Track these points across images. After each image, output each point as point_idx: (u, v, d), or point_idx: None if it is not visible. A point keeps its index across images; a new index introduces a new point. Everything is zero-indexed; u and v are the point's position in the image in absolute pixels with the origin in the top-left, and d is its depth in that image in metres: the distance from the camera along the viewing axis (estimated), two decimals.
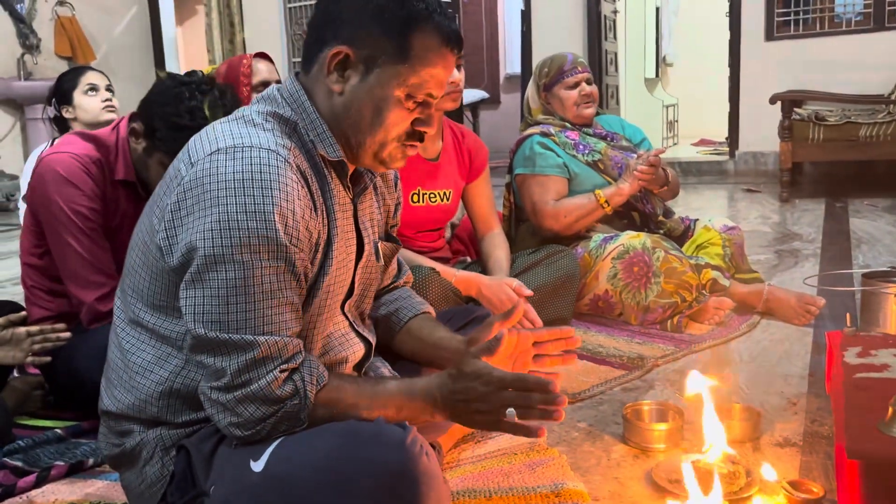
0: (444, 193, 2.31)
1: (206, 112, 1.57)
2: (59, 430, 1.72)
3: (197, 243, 1.01)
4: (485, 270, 2.33)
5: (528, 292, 2.15)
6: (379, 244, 1.30)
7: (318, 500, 0.97)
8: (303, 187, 1.05)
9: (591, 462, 1.54)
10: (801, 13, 5.42)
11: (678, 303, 2.29)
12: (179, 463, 1.11)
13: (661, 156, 2.42)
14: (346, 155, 1.14)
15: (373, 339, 1.31)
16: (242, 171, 1.00)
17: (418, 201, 2.26)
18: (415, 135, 1.14)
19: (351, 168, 1.18)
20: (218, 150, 1.03)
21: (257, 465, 1.02)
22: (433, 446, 1.42)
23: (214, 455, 1.09)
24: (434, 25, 1.09)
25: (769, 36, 5.47)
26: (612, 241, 2.36)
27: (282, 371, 1.03)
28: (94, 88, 2.73)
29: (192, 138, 1.10)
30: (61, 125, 2.76)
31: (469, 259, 2.56)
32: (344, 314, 1.24)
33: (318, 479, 0.97)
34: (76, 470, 1.55)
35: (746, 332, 2.28)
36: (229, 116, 1.14)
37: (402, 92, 1.09)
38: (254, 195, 1.00)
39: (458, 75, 2.14)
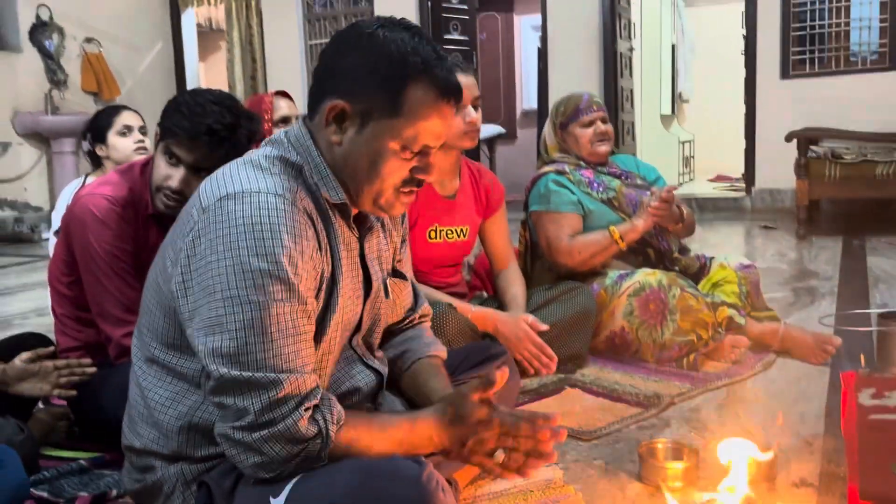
0: (461, 230, 2.34)
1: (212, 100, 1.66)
2: (83, 462, 1.75)
3: (212, 287, 1.05)
4: (501, 306, 2.35)
5: (544, 327, 2.18)
6: (388, 281, 1.33)
7: None
8: (309, 228, 1.10)
9: (606, 500, 1.55)
10: (817, 52, 5.47)
11: (694, 341, 2.30)
12: (201, 498, 1.14)
13: (677, 192, 2.45)
14: (348, 198, 1.19)
15: (383, 370, 1.34)
16: (251, 216, 1.05)
17: (436, 238, 2.30)
18: (412, 181, 1.17)
19: (355, 209, 1.22)
20: (227, 195, 1.08)
21: (277, 501, 1.05)
22: (449, 482, 1.44)
23: (235, 491, 1.12)
24: (429, 79, 1.12)
25: (785, 74, 5.51)
26: (628, 279, 2.38)
27: (305, 410, 1.06)
28: (128, 129, 2.80)
29: (203, 183, 1.15)
30: (95, 159, 2.84)
31: (486, 294, 2.58)
32: (352, 348, 1.29)
33: None
34: (100, 501, 1.58)
35: (762, 370, 2.28)
36: (239, 160, 1.19)
37: (397, 144, 1.13)
38: (263, 238, 1.04)
39: (475, 115, 2.19)
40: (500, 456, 1.11)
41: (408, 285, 1.43)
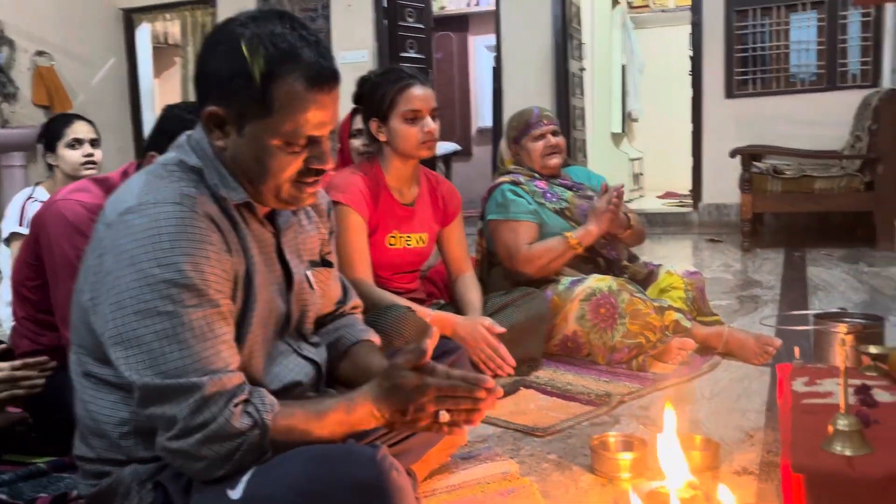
0: (420, 237, 2.41)
1: None
2: (41, 465, 1.75)
3: (122, 303, 1.06)
4: (458, 311, 2.42)
5: (501, 330, 2.24)
6: (311, 272, 1.34)
7: None
8: (213, 233, 1.11)
9: (560, 490, 1.61)
10: (759, 73, 5.69)
11: (643, 343, 2.39)
12: (158, 498, 1.14)
13: (629, 205, 2.56)
14: (252, 195, 1.19)
15: (320, 359, 1.35)
16: (151, 228, 1.06)
17: (395, 244, 2.36)
18: (310, 172, 1.17)
19: (263, 207, 1.22)
20: (128, 209, 1.09)
21: (235, 493, 1.07)
22: (409, 473, 1.49)
23: (191, 487, 1.12)
24: (296, 70, 1.10)
25: (729, 94, 5.72)
26: (580, 284, 2.47)
27: (235, 405, 1.07)
28: (78, 142, 2.78)
29: (109, 198, 1.17)
30: (50, 166, 2.81)
31: (443, 301, 2.64)
32: (286, 342, 1.30)
33: (294, 498, 1.03)
34: (60, 502, 1.59)
35: (708, 371, 2.38)
36: (141, 171, 1.20)
37: (279, 141, 1.13)
38: (164, 248, 1.06)
39: (433, 125, 2.26)
40: (444, 416, 1.13)
41: (335, 273, 1.44)
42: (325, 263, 1.41)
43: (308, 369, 1.32)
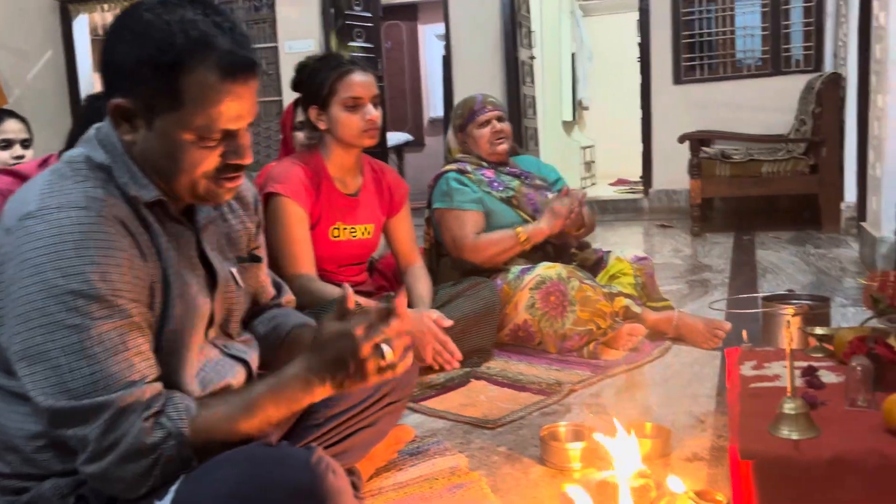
0: (365, 229, 2.34)
1: None
2: None
3: (26, 315, 0.98)
4: (407, 303, 2.36)
5: (449, 323, 2.20)
6: (235, 270, 1.25)
7: None
8: (124, 237, 1.03)
9: (509, 483, 1.58)
10: (707, 58, 5.75)
11: (593, 330, 2.37)
12: None
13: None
14: (165, 193, 1.10)
15: (249, 357, 1.28)
16: (53, 235, 0.98)
17: (339, 236, 2.29)
18: (228, 168, 1.09)
19: (178, 204, 1.14)
20: (29, 213, 1.00)
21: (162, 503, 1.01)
22: (352, 471, 1.44)
23: (116, 499, 1.05)
24: (208, 60, 1.02)
25: (677, 80, 5.76)
26: (530, 273, 2.44)
27: (145, 420, 0.99)
28: (8, 143, 2.65)
29: (8, 200, 1.07)
30: None
31: (392, 293, 2.58)
32: (212, 344, 1.22)
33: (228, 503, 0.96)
34: None
35: (658, 356, 2.37)
36: (46, 170, 1.10)
37: (191, 135, 1.04)
38: (69, 258, 0.97)
39: (375, 112, 2.20)
40: (388, 353, 1.03)
41: (264, 269, 1.37)
42: (253, 259, 1.32)
43: (238, 369, 1.25)
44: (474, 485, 1.54)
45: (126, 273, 1.02)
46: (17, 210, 1.03)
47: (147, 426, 0.99)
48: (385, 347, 1.03)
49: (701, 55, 5.75)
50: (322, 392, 1.07)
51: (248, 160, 1.10)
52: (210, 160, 1.07)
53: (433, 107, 9.32)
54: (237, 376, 1.24)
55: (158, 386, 1.04)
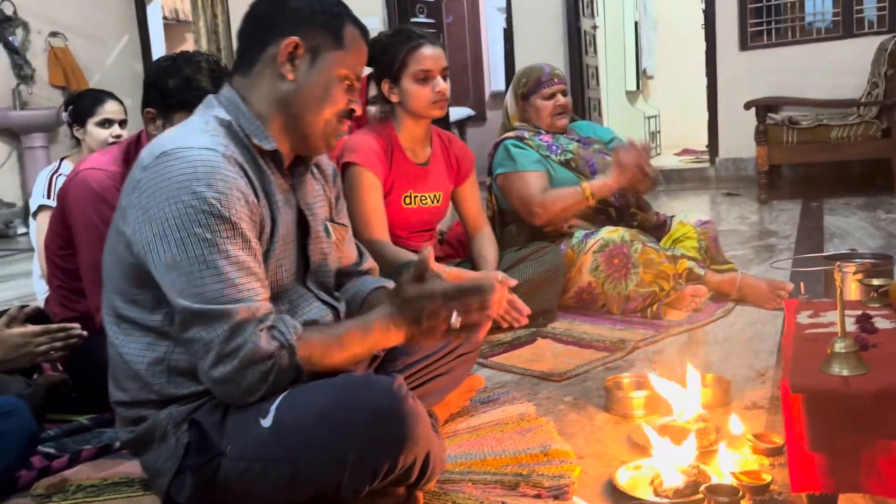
0: (435, 196, 2.46)
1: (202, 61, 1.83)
2: (84, 421, 1.85)
3: (162, 233, 1.17)
4: (475, 268, 2.48)
5: (513, 282, 2.29)
6: (329, 225, 1.45)
7: (321, 441, 1.14)
8: (242, 177, 1.22)
9: (576, 428, 1.68)
10: (774, 23, 5.63)
11: (657, 291, 2.44)
12: (194, 436, 1.24)
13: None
14: (281, 146, 1.31)
15: (339, 305, 1.44)
16: (187, 167, 1.17)
17: (410, 203, 2.41)
18: (348, 115, 1.34)
19: (287, 159, 1.34)
20: (165, 153, 1.20)
21: (266, 422, 1.17)
22: (430, 414, 1.57)
23: (225, 422, 1.22)
24: (354, 22, 1.34)
25: (743, 46, 5.66)
26: (593, 237, 2.52)
27: (261, 330, 1.17)
28: (108, 122, 2.84)
29: (144, 148, 1.27)
30: (76, 139, 2.88)
31: (458, 259, 2.70)
32: (306, 287, 1.39)
33: (319, 423, 1.14)
34: (104, 452, 1.69)
35: (721, 316, 2.43)
36: (178, 124, 1.34)
37: (343, 72, 1.31)
38: (201, 185, 1.17)
39: (444, 85, 2.30)
40: (456, 321, 1.20)
41: (349, 233, 1.54)
42: (339, 222, 1.50)
43: (326, 313, 1.40)
44: (542, 428, 1.65)
45: (243, 208, 1.21)
46: (154, 151, 1.22)
47: (263, 336, 1.17)
48: (454, 317, 1.20)
49: (768, 20, 5.62)
50: (396, 339, 1.25)
51: (360, 111, 1.36)
52: (344, 101, 1.32)
53: (495, 80, 9.34)
54: (324, 318, 1.39)
55: (269, 305, 1.21)
